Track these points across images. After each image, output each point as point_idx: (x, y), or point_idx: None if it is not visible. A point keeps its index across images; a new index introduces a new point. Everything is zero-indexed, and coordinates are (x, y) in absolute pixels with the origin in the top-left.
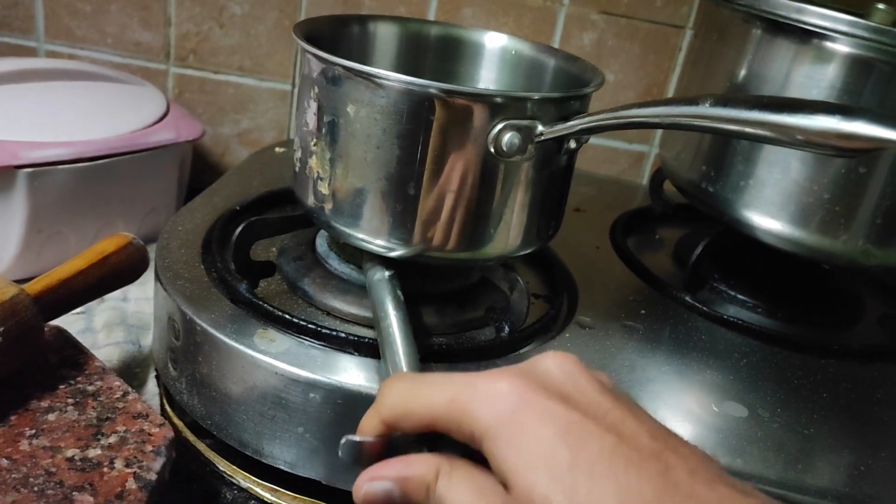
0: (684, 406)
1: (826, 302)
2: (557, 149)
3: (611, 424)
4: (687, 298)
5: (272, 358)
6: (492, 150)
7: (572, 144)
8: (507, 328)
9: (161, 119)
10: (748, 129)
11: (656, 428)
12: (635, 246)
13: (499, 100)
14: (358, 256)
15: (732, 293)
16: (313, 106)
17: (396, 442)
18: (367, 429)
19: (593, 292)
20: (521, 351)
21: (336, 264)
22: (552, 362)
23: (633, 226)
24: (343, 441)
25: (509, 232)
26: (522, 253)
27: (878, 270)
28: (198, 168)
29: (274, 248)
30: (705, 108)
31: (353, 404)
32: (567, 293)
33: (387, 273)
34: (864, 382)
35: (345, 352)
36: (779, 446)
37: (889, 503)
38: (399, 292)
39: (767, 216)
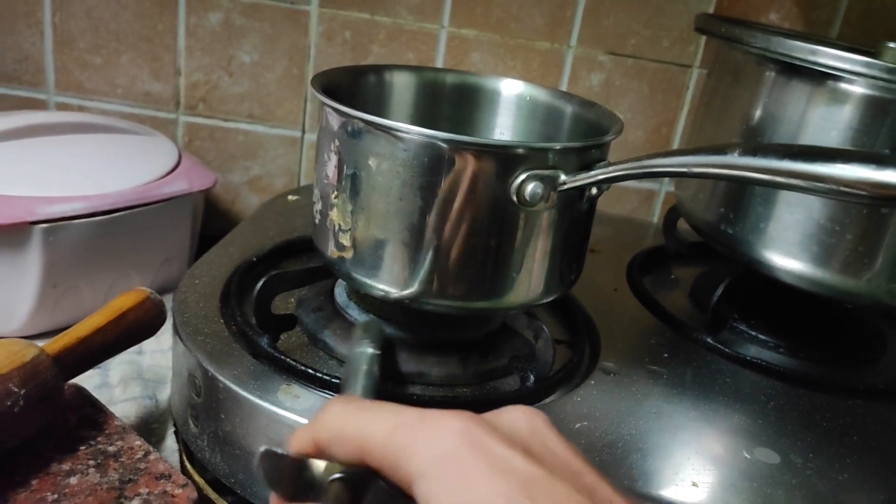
0: (715, 453)
1: (847, 340)
2: (579, 196)
3: (583, 486)
4: (709, 340)
5: (297, 415)
6: (514, 199)
7: (594, 191)
8: (532, 377)
9: (174, 169)
10: (779, 179)
11: (630, 500)
12: (651, 286)
13: (521, 151)
14: (378, 306)
15: (753, 333)
16: (334, 159)
17: (316, 475)
18: (295, 445)
19: (615, 337)
20: (547, 400)
21: (356, 314)
22: (520, 415)
23: (648, 265)
24: (262, 450)
25: (531, 280)
26: (545, 301)
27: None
28: (208, 215)
29: (293, 300)
30: (734, 158)
31: None
32: (588, 338)
33: (370, 350)
34: (893, 424)
35: None
36: (814, 494)
37: None
38: (376, 368)
39: (789, 257)
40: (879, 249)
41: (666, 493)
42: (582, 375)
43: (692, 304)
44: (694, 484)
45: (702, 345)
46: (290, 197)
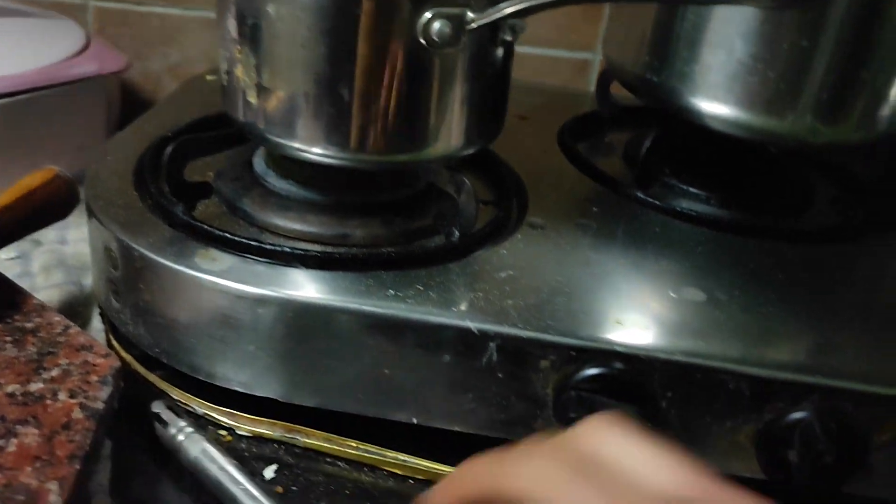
0: (643, 294)
1: (777, 189)
2: (492, 39)
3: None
4: (639, 194)
5: (216, 277)
6: (422, 41)
7: (507, 36)
8: (456, 233)
9: (82, 52)
10: None
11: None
12: (585, 150)
13: None
14: (296, 171)
15: (684, 187)
16: (233, 10)
17: None
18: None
19: (543, 194)
20: (474, 254)
21: (274, 181)
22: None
23: (581, 131)
24: None
25: (451, 130)
26: (467, 152)
27: (826, 148)
28: (129, 106)
29: (211, 172)
30: None
31: (302, 317)
32: (516, 196)
33: (205, 444)
34: (819, 263)
35: (290, 266)
36: (739, 327)
37: (855, 373)
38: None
39: (714, 101)
40: (801, 87)
41: (591, 330)
42: (509, 231)
43: (624, 165)
44: (618, 322)
45: (633, 199)
46: (208, 76)
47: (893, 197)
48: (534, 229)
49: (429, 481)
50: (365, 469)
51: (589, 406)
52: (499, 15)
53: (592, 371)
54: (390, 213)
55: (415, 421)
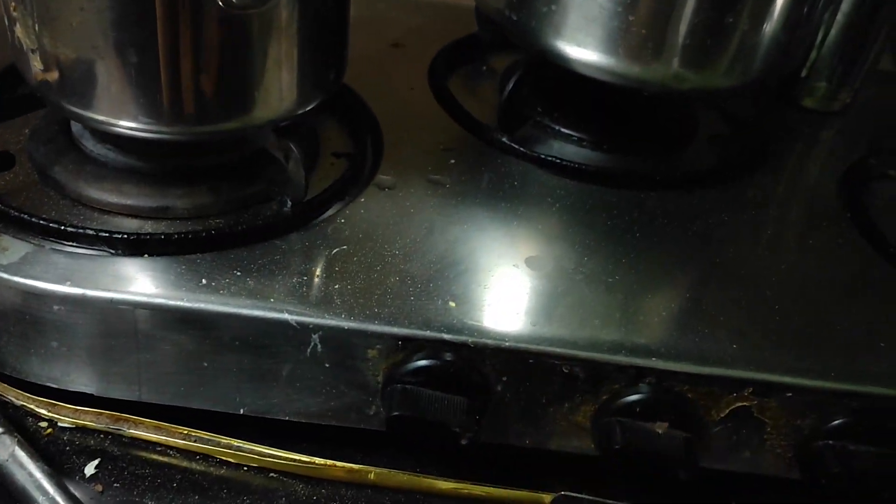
0: (483, 268)
1: (656, 127)
2: None
3: None
4: (504, 140)
5: (4, 272)
6: (221, 3)
7: None
8: (288, 202)
9: None
10: None
11: None
12: (463, 81)
13: None
14: (114, 136)
15: (556, 127)
16: None
17: None
18: None
19: (401, 144)
20: (314, 223)
21: (91, 145)
22: None
23: (459, 58)
24: None
25: (276, 91)
26: (300, 112)
27: (694, 95)
28: None
29: (26, 131)
30: None
31: (103, 315)
32: (373, 148)
33: (15, 448)
34: (682, 213)
35: (96, 250)
36: (578, 304)
37: (690, 354)
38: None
39: (575, 45)
40: (664, 32)
41: (420, 316)
42: (353, 194)
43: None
44: (452, 303)
45: (497, 146)
46: None
47: (765, 134)
48: (381, 190)
49: (264, 469)
50: (197, 458)
51: (414, 399)
52: None
53: (419, 364)
54: (217, 180)
55: (242, 412)
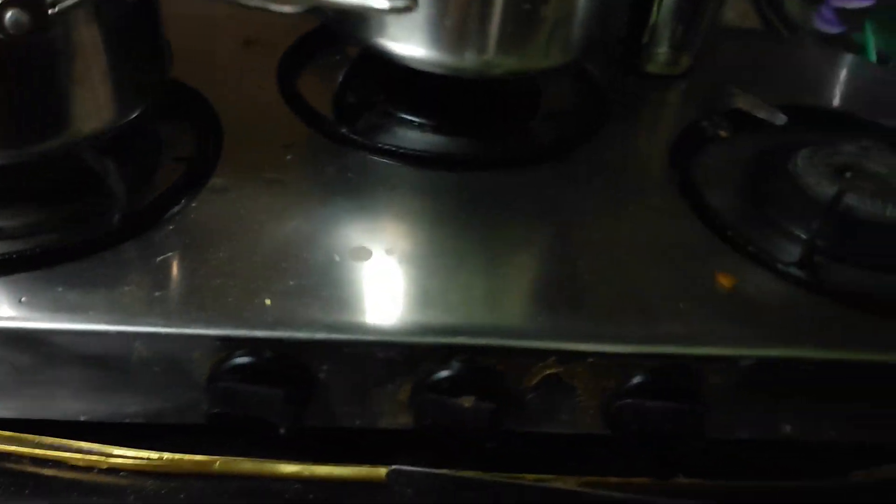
0: (306, 261)
1: (497, 107)
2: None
3: None
4: (342, 131)
5: None
6: None
7: None
8: (117, 216)
9: None
10: None
11: None
12: (320, 74)
13: None
14: None
15: (397, 115)
16: None
17: None
18: None
19: (241, 145)
20: (144, 232)
21: None
22: None
23: (312, 51)
24: None
25: (90, 107)
26: (122, 123)
27: (511, 79)
28: None
29: None
30: None
31: None
32: (215, 150)
33: None
34: (503, 191)
35: None
36: (393, 288)
37: (497, 329)
38: None
39: (390, 39)
40: (467, 21)
41: (238, 314)
42: (187, 199)
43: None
44: (267, 300)
45: (336, 139)
46: None
47: (607, 104)
48: (214, 193)
49: (113, 470)
50: (48, 464)
51: (231, 395)
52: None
53: (236, 361)
54: (47, 197)
55: (83, 419)
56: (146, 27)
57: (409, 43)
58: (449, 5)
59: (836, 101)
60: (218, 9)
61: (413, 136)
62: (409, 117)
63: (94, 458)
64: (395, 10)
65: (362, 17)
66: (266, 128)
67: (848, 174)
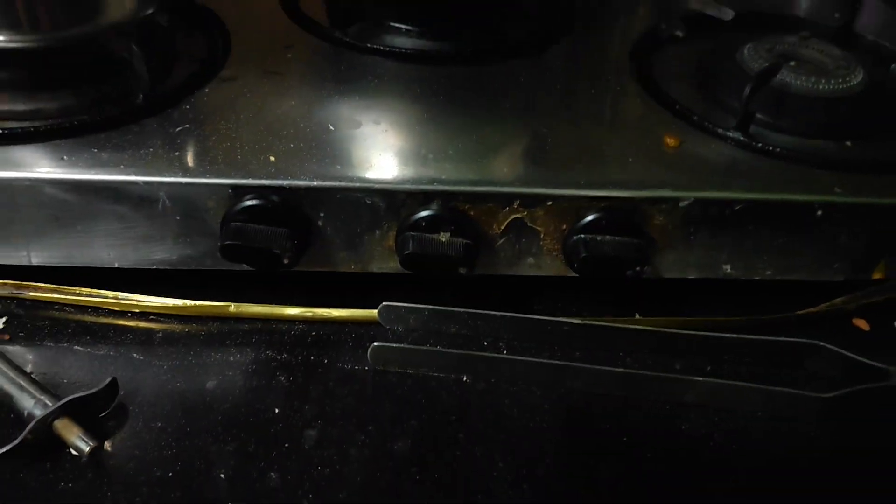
0: (303, 130)
1: (476, 11)
2: None
3: None
4: (335, 34)
5: None
6: None
7: None
8: (141, 96)
9: None
10: None
11: None
12: None
13: None
14: None
15: (387, 22)
16: None
17: None
18: None
19: (247, 47)
20: (164, 111)
21: None
22: None
23: None
24: None
25: (105, 2)
26: (142, 15)
27: None
28: None
29: None
30: None
31: None
32: (223, 51)
33: None
34: (478, 80)
35: None
36: (379, 147)
37: (469, 178)
38: None
39: None
40: None
41: (246, 167)
42: (198, 86)
43: None
44: (272, 157)
45: (330, 41)
46: None
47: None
48: (223, 82)
49: (144, 313)
50: (87, 311)
51: (242, 231)
52: None
53: (246, 203)
54: (79, 82)
55: (116, 265)
56: None
57: None
58: None
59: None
60: None
61: (399, 39)
62: (396, 24)
63: (128, 302)
64: None
65: None
66: (268, 33)
67: (792, 62)
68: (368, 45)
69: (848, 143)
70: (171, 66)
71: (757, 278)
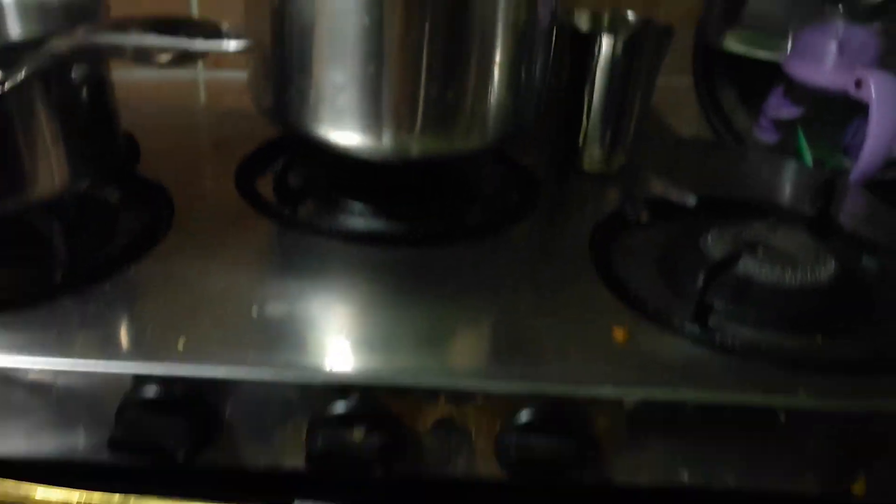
0: (223, 312)
1: (434, 191)
2: (58, 79)
3: None
4: (285, 213)
5: None
6: None
7: (74, 74)
8: (58, 273)
9: None
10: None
11: None
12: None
13: None
14: None
15: (336, 199)
16: None
17: None
18: None
19: (191, 222)
20: (88, 287)
21: None
22: None
23: (278, 151)
24: None
25: (29, 180)
26: (64, 195)
27: (439, 165)
28: None
29: None
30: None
31: None
32: (165, 225)
33: None
34: (432, 266)
35: None
36: (295, 334)
37: (390, 371)
38: None
39: (323, 123)
40: (379, 102)
41: (152, 354)
42: (132, 260)
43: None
44: (180, 343)
45: (279, 220)
46: None
47: (537, 193)
48: (154, 258)
49: None
50: None
51: (141, 427)
52: (25, 74)
53: (143, 394)
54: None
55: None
56: (95, 107)
57: (333, 128)
58: (356, 89)
59: (758, 194)
60: (194, 118)
61: (351, 220)
62: (346, 200)
63: (16, 494)
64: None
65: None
66: (216, 210)
67: (758, 251)
68: (316, 225)
69: (818, 339)
70: (105, 242)
71: (719, 488)
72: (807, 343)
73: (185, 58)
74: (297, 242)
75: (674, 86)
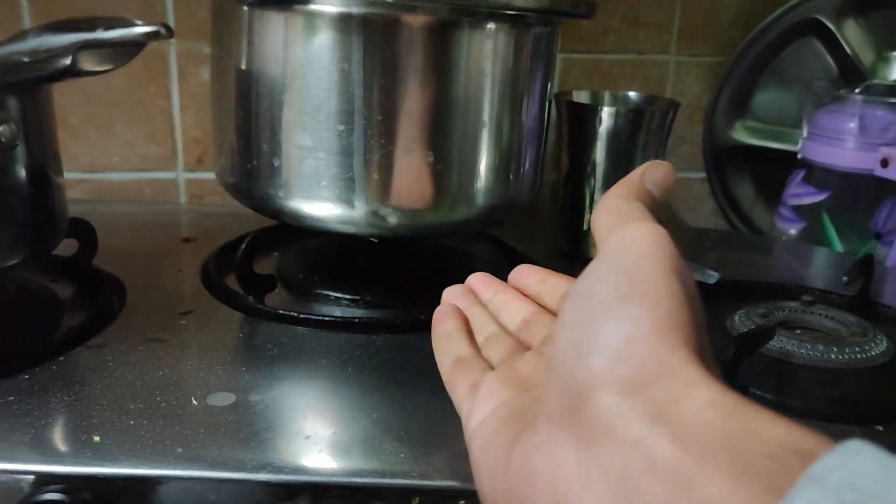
0: (165, 406)
1: (428, 275)
2: None
3: None
4: (249, 301)
5: None
6: None
7: None
8: None
9: None
10: None
11: None
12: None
13: None
14: None
15: (318, 291)
16: None
17: None
18: None
19: (139, 311)
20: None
21: None
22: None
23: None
24: None
25: None
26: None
27: (418, 233)
28: None
29: None
30: None
31: None
32: (107, 315)
33: None
34: (408, 354)
35: None
36: (259, 426)
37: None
38: None
39: (293, 198)
40: (349, 170)
41: (58, 452)
42: (65, 351)
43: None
44: (96, 439)
45: (241, 308)
46: None
47: None
48: (89, 349)
49: None
50: None
51: None
52: None
53: (43, 496)
54: None
55: None
56: (29, 181)
57: (302, 198)
58: (335, 166)
59: (784, 277)
60: (170, 216)
61: (327, 309)
62: (318, 285)
63: None
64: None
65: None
66: (170, 299)
67: (798, 330)
68: (279, 312)
69: (879, 428)
70: (43, 333)
71: None
72: (865, 433)
73: (105, 56)
74: (257, 330)
75: (685, 184)
